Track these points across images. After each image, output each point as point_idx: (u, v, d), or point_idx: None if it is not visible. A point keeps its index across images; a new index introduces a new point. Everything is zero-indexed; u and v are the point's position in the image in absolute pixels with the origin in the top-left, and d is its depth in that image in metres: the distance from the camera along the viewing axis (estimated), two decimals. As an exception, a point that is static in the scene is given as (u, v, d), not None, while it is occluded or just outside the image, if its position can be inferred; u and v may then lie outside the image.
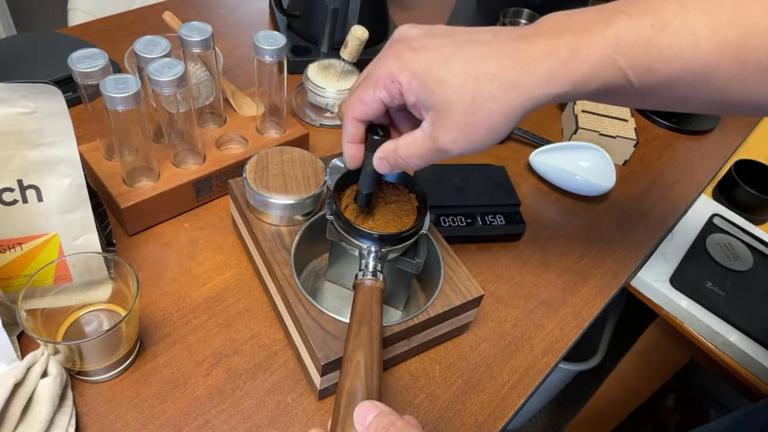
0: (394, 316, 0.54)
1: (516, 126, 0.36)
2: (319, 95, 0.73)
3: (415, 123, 0.39)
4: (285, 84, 0.61)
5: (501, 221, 0.63)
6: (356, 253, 0.45)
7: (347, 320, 0.43)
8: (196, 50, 0.56)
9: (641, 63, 0.33)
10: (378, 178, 0.44)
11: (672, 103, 0.37)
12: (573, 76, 0.34)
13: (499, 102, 0.35)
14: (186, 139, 0.58)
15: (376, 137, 0.41)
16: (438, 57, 0.35)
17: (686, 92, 0.34)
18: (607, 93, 0.35)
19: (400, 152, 0.39)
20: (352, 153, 0.42)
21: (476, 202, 0.64)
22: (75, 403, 0.44)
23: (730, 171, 0.78)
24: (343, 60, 0.71)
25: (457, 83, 0.35)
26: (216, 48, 0.60)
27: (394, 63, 0.37)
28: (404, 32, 0.38)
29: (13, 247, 0.46)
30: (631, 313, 1.12)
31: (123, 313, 0.49)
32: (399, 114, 0.42)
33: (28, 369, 0.42)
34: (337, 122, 0.75)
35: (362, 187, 0.44)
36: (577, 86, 0.34)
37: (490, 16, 1.03)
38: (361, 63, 0.73)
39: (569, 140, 0.77)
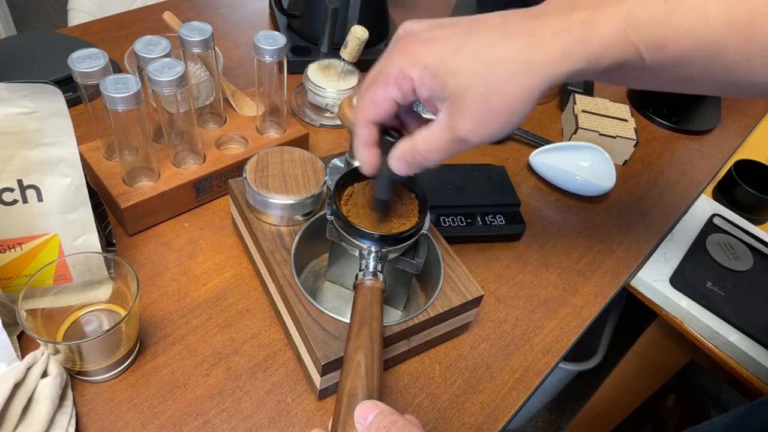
0: (394, 316, 0.54)
1: (534, 107, 0.36)
2: (319, 95, 0.73)
3: (426, 123, 0.39)
4: (285, 84, 0.61)
5: (501, 221, 0.63)
6: (356, 253, 0.45)
7: (347, 320, 0.43)
8: (196, 50, 0.56)
9: (654, 39, 0.33)
10: (395, 182, 0.42)
11: (682, 83, 0.37)
12: (587, 52, 0.33)
13: (515, 85, 0.34)
14: (186, 139, 0.58)
15: (390, 139, 0.40)
16: (448, 47, 0.35)
17: (696, 71, 0.34)
18: (619, 70, 0.35)
19: (419, 148, 0.38)
20: (368, 158, 0.41)
21: (476, 202, 0.64)
22: (75, 403, 0.44)
23: (730, 171, 0.78)
24: (343, 60, 0.71)
25: (471, 71, 0.34)
26: (216, 48, 0.60)
27: (404, 59, 0.36)
28: (408, 28, 0.37)
29: (13, 247, 0.46)
30: (631, 313, 1.12)
31: (123, 313, 0.49)
32: (408, 116, 0.41)
33: (28, 369, 0.42)
34: (337, 122, 0.75)
35: (379, 193, 0.43)
36: (590, 63, 0.34)
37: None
38: (361, 63, 0.73)
39: (569, 140, 0.77)
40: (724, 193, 0.79)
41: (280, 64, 0.59)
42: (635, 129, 0.77)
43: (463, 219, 0.62)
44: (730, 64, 0.33)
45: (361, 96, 0.39)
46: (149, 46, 0.53)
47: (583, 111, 0.79)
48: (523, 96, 0.34)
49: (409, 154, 0.39)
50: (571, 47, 0.33)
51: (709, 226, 0.74)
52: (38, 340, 0.42)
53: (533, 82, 0.34)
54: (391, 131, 0.40)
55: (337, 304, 0.54)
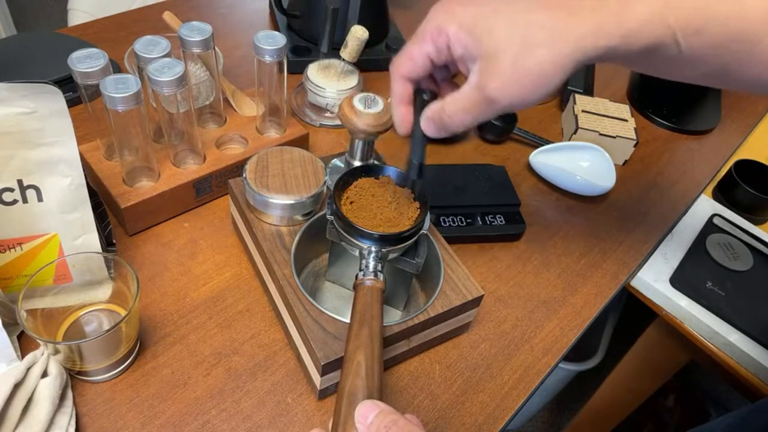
0: (394, 316, 0.54)
1: (566, 78, 0.36)
2: (319, 95, 0.73)
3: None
4: (285, 84, 0.61)
5: (501, 221, 0.63)
6: (356, 253, 0.45)
7: (347, 320, 0.43)
8: (196, 50, 0.56)
9: (690, 24, 0.33)
10: (426, 144, 0.42)
11: (716, 75, 0.36)
12: (622, 29, 0.33)
13: (549, 49, 0.34)
14: (186, 139, 0.58)
15: (424, 97, 0.40)
16: (487, 8, 0.35)
17: (731, 62, 0.34)
18: (654, 54, 0.35)
19: (447, 109, 0.38)
20: (401, 115, 0.41)
21: (476, 202, 0.64)
22: (75, 403, 0.44)
23: (730, 171, 0.78)
24: (343, 60, 0.71)
25: (506, 31, 0.34)
26: (216, 48, 0.60)
27: (442, 16, 0.37)
28: None
29: (13, 247, 0.46)
30: (631, 313, 1.12)
31: (123, 313, 0.49)
32: (446, 82, 0.42)
33: (28, 369, 0.42)
34: (337, 122, 0.75)
35: (413, 156, 0.42)
36: (625, 40, 0.34)
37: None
38: (361, 63, 0.73)
39: (569, 140, 0.77)
40: (724, 193, 0.79)
41: (280, 64, 0.59)
42: (635, 129, 0.77)
43: (463, 219, 0.62)
44: (764, 58, 0.33)
45: (398, 53, 0.40)
46: (149, 46, 0.53)
47: (583, 111, 0.79)
48: (555, 62, 0.34)
49: (438, 115, 0.39)
50: (606, 22, 0.33)
51: (709, 226, 0.74)
52: (38, 340, 0.42)
53: (567, 51, 0.34)
54: (425, 92, 0.41)
55: (337, 304, 0.54)
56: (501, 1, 0.36)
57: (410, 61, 0.39)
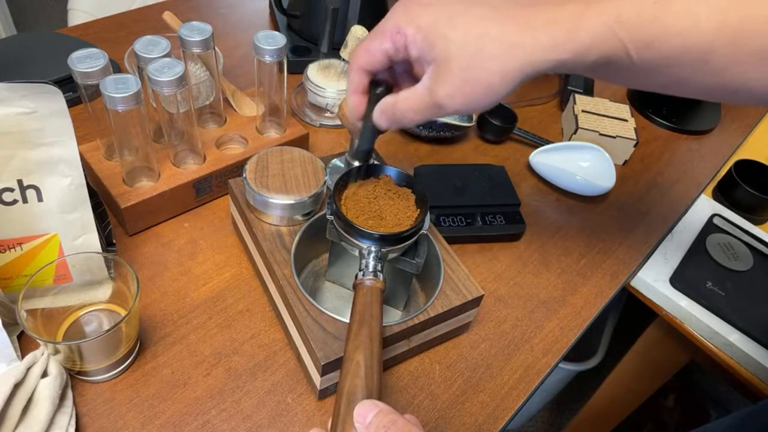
0: (394, 316, 0.54)
1: (514, 90, 0.37)
2: (319, 95, 0.73)
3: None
4: (285, 84, 0.61)
5: (501, 221, 0.63)
6: (356, 253, 0.45)
7: (347, 320, 0.43)
8: (196, 50, 0.57)
9: (642, 38, 0.33)
10: (377, 133, 0.44)
11: (672, 85, 0.37)
12: (574, 44, 0.34)
13: (498, 62, 0.35)
14: (186, 139, 0.58)
15: (378, 91, 0.42)
16: (445, 14, 0.36)
17: (686, 73, 0.35)
18: (607, 66, 0.35)
19: (399, 105, 0.40)
20: (354, 103, 0.43)
21: (476, 202, 0.64)
22: (75, 403, 0.44)
23: (730, 171, 0.78)
24: (343, 60, 0.71)
25: (460, 40, 0.35)
26: (216, 48, 0.60)
27: (402, 16, 0.38)
28: None
29: (13, 247, 0.46)
30: (631, 313, 1.12)
31: (123, 313, 0.49)
32: (403, 75, 0.43)
33: (28, 369, 0.42)
34: (337, 122, 0.75)
35: (361, 143, 0.45)
36: (577, 55, 0.34)
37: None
38: (361, 63, 0.73)
39: (569, 140, 0.77)
40: (724, 193, 0.79)
41: (280, 64, 0.59)
42: (635, 129, 0.77)
43: (463, 219, 0.62)
44: (719, 68, 0.33)
45: (358, 45, 0.41)
46: (149, 46, 0.53)
47: (583, 111, 0.79)
48: (503, 74, 0.35)
49: (390, 110, 0.41)
50: (559, 37, 0.34)
51: (709, 226, 0.74)
52: (38, 340, 0.42)
53: (516, 64, 0.35)
54: (383, 85, 0.43)
55: (337, 304, 0.54)
56: (460, 5, 0.36)
57: (368, 55, 0.40)
